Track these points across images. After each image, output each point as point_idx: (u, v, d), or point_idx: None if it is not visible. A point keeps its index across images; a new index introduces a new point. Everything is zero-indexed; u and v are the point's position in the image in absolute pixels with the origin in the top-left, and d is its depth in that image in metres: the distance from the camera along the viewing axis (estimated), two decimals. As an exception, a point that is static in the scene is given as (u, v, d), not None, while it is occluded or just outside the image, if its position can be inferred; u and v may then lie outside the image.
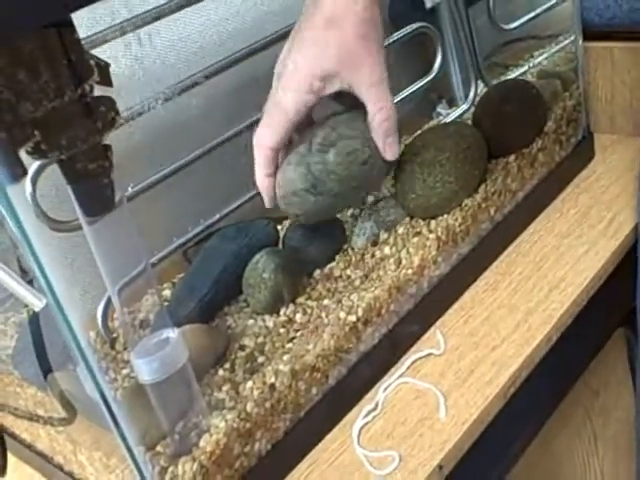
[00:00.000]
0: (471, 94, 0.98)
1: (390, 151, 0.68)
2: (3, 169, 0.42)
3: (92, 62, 0.44)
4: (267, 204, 0.69)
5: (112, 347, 0.69)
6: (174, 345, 0.53)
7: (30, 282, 0.47)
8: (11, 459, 0.68)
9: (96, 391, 0.49)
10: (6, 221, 0.43)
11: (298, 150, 0.66)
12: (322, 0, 0.63)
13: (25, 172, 0.43)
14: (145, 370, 0.52)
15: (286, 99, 0.65)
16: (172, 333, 0.54)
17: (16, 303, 0.74)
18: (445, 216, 0.74)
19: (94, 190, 0.47)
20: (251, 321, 0.68)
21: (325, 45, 0.63)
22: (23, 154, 0.43)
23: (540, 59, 1.03)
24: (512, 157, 0.81)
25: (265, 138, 0.66)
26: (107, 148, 0.48)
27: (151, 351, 0.52)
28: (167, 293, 0.74)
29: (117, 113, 0.48)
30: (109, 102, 0.47)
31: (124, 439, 0.50)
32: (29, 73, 0.41)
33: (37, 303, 0.44)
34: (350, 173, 0.66)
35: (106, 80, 0.45)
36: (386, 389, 0.66)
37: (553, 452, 1.22)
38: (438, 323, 0.72)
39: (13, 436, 0.69)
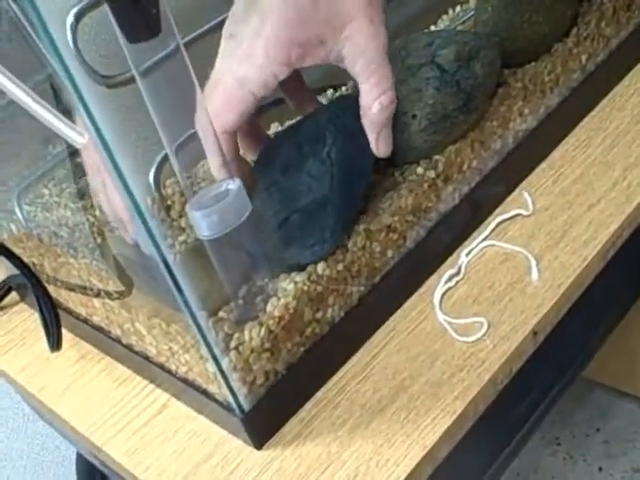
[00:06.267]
0: None
1: (384, 146, 0.54)
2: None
3: None
4: None
5: (167, 214, 0.63)
6: (235, 197, 0.47)
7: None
8: (67, 335, 0.65)
9: (153, 250, 0.44)
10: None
11: (420, 76, 0.56)
12: None
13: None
14: (203, 224, 0.46)
15: (252, 72, 0.51)
16: (232, 185, 0.48)
17: (69, 174, 0.69)
18: (532, 63, 0.65)
19: (136, 9, 0.40)
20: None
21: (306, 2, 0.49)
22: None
23: None
24: (607, -3, 0.71)
25: (225, 121, 0.52)
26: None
27: (209, 203, 0.47)
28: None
29: None
30: None
31: (185, 302, 0.45)
32: None
33: (79, 139, 0.38)
34: (491, 83, 0.59)
35: None
36: (469, 253, 0.59)
37: (629, 345, 1.16)
38: (524, 183, 0.64)
39: (68, 311, 0.65)
